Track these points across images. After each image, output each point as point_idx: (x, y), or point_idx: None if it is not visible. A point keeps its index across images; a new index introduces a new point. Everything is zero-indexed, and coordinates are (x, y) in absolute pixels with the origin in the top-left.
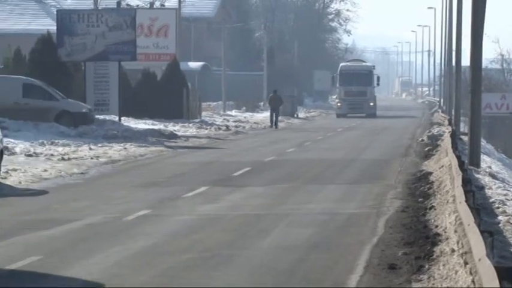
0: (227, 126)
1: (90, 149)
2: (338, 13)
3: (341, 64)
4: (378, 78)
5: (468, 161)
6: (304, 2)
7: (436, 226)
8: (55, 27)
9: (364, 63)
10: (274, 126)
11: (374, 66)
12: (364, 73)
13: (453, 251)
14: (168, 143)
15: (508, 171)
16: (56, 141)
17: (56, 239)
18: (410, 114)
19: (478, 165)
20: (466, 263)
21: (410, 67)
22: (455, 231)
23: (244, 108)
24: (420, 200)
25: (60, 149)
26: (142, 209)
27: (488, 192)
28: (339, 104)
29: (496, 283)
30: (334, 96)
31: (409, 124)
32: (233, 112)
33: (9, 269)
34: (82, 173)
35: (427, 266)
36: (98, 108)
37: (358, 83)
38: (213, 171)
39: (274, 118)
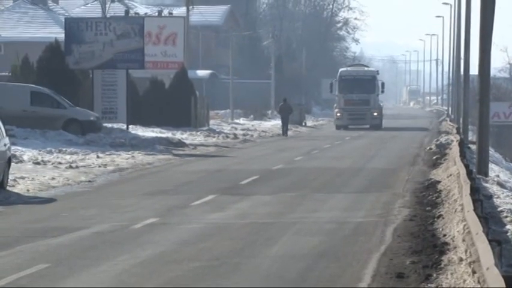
0: (235, 135)
1: (98, 157)
2: (346, 22)
3: (340, 69)
4: (383, 84)
5: (476, 170)
6: (312, 10)
7: (444, 235)
8: (63, 35)
9: (366, 68)
10: (284, 135)
11: (378, 71)
12: (366, 79)
13: (461, 260)
14: (175, 151)
15: None
16: (64, 149)
17: (64, 247)
18: (418, 126)
19: (486, 174)
20: (474, 272)
21: (419, 76)
22: (464, 240)
23: (252, 116)
24: (428, 208)
25: (67, 157)
26: (150, 217)
27: (496, 201)
28: (338, 115)
29: None
30: (334, 106)
31: (416, 133)
32: (241, 120)
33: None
34: (90, 181)
35: (435, 275)
36: (105, 116)
37: (360, 90)
38: (220, 179)
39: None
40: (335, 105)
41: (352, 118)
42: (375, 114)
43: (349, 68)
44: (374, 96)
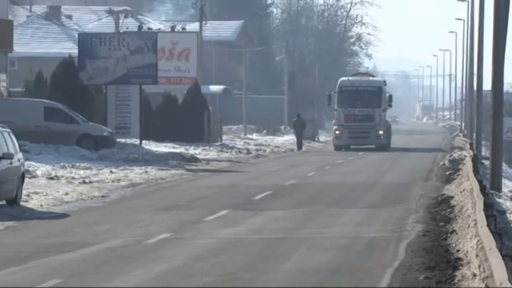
0: (248, 150)
1: (111, 172)
2: (359, 37)
3: (340, 78)
4: (390, 97)
5: (489, 185)
6: (325, 25)
7: (458, 250)
8: (77, 51)
9: (371, 78)
10: (299, 149)
11: (385, 81)
12: (371, 91)
13: (474, 275)
14: (188, 166)
15: None
16: (77, 164)
17: (77, 262)
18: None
19: (499, 189)
20: None
21: (432, 91)
22: (477, 256)
23: (265, 131)
24: (441, 224)
25: (81, 172)
26: (163, 232)
27: (510, 216)
28: (337, 132)
29: None
30: (333, 122)
31: (430, 148)
32: (254, 135)
33: None
34: (103, 196)
35: None
36: (119, 132)
37: (363, 103)
38: (233, 194)
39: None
40: (333, 121)
41: (354, 137)
42: (381, 132)
43: (350, 78)
44: (380, 111)
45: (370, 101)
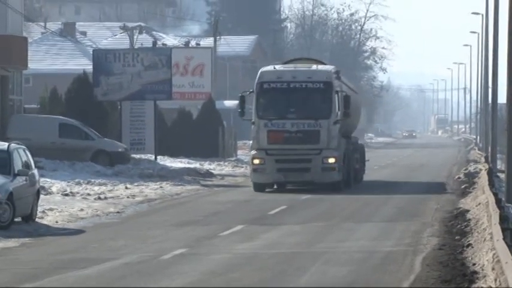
0: None
1: (127, 188)
2: (373, 51)
3: (262, 69)
4: (347, 99)
5: (505, 199)
6: (339, 40)
7: (474, 264)
8: (91, 67)
9: (315, 66)
10: None
11: (338, 71)
12: (313, 88)
13: None
14: (204, 182)
15: None
16: (92, 180)
17: (93, 279)
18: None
19: None
20: None
21: (446, 104)
22: (493, 269)
23: None
24: (457, 237)
25: (96, 188)
26: (178, 247)
27: None
28: (256, 162)
29: None
30: (250, 144)
31: (445, 161)
32: None
33: None
34: (118, 212)
35: None
36: (133, 148)
37: (301, 111)
38: (249, 209)
39: None
40: (251, 142)
41: (284, 169)
42: (330, 161)
43: (279, 67)
44: (328, 123)
45: (312, 106)
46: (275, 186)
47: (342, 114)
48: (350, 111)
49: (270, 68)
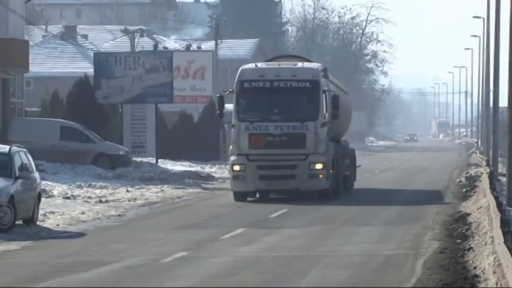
0: None
1: (128, 191)
2: (375, 54)
3: (242, 67)
4: (335, 99)
5: (506, 202)
6: (340, 43)
7: (475, 267)
8: (92, 70)
9: (301, 64)
10: None
11: (325, 69)
12: (298, 88)
13: None
14: (204, 185)
15: None
16: (94, 183)
17: (94, 282)
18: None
19: None
20: None
21: (448, 108)
22: (494, 273)
23: None
24: (458, 241)
25: (97, 191)
26: (179, 250)
27: None
28: (236, 169)
29: None
30: (230, 149)
31: (446, 165)
32: None
33: None
34: (119, 215)
35: None
36: (135, 151)
37: (285, 113)
38: (249, 213)
39: None
40: (231, 147)
41: (267, 176)
42: (318, 167)
43: (261, 64)
44: (315, 125)
45: (298, 107)
46: (257, 195)
47: (330, 116)
48: (339, 112)
49: (251, 65)
